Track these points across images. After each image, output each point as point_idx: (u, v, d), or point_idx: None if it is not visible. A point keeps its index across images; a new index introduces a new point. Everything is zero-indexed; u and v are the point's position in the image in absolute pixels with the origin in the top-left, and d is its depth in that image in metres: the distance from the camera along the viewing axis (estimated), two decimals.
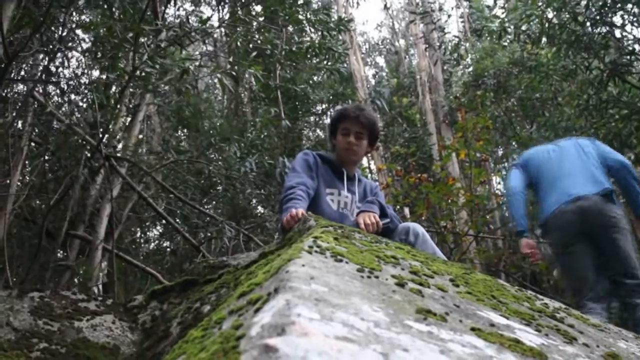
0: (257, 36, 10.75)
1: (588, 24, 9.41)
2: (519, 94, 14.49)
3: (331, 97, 16.09)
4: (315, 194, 3.59)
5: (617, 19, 9.76)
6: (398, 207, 11.94)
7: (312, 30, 11.09)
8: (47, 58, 8.20)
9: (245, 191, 10.00)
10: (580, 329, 1.59)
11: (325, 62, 11.64)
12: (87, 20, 8.88)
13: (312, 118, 17.47)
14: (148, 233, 14.40)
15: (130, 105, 9.73)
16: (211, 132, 11.40)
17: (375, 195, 3.88)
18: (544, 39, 10.70)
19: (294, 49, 10.47)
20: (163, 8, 8.77)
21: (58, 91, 9.25)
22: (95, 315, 2.41)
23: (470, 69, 17.87)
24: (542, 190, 4.94)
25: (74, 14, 8.50)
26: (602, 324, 1.91)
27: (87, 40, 9.08)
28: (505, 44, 14.16)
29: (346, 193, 3.73)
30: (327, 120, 18.19)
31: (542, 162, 5.07)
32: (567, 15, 9.55)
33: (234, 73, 8.12)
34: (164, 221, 10.05)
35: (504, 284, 2.04)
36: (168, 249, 13.48)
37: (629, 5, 9.36)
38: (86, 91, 8.95)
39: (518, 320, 1.36)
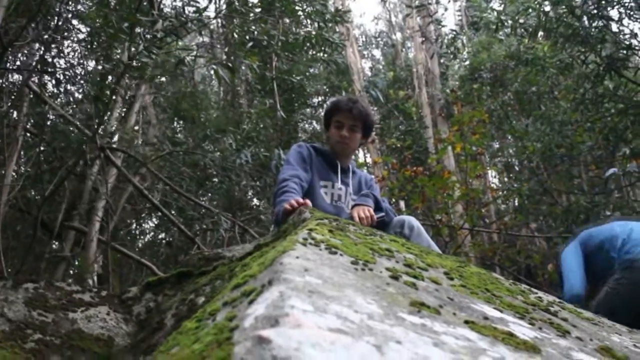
0: (253, 27, 10.72)
1: (585, 17, 9.40)
2: (515, 87, 14.49)
3: (327, 90, 16.07)
4: (309, 187, 3.60)
5: (614, 13, 9.77)
6: (394, 200, 11.95)
7: (309, 21, 11.07)
8: (42, 48, 8.18)
9: (241, 183, 10.00)
10: (573, 322, 1.59)
11: (321, 53, 11.62)
12: (83, 10, 8.85)
13: (308, 110, 17.44)
14: (143, 225, 14.41)
15: (126, 97, 9.71)
16: (207, 123, 11.39)
17: (370, 188, 3.89)
18: (540, 32, 10.71)
19: (290, 40, 10.46)
20: None
21: (53, 81, 9.23)
22: (89, 307, 2.41)
23: (467, 62, 17.87)
24: (621, 238, 4.65)
25: (70, 3, 8.47)
26: (596, 317, 1.92)
27: (82, 30, 9.06)
28: (502, 37, 14.16)
29: (340, 185, 3.74)
30: (323, 113, 18.15)
31: (613, 226, 4.86)
32: (564, 9, 9.54)
33: (229, 64, 8.11)
34: (159, 213, 10.05)
35: (498, 278, 2.04)
36: (163, 241, 13.48)
37: (626, 0, 9.36)
38: (82, 82, 8.93)
39: (512, 314, 1.36)
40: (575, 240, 4.94)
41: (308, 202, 2.99)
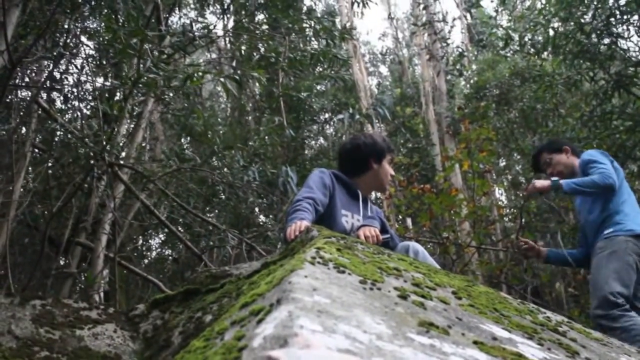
0: (260, 44, 10.77)
1: (594, 34, 9.42)
2: (521, 105, 14.50)
3: (334, 106, 16.11)
4: (330, 213, 3.64)
5: (622, 30, 9.78)
6: (400, 217, 11.91)
7: (316, 38, 11.10)
8: (51, 64, 8.22)
9: (248, 200, 9.99)
10: (582, 343, 1.58)
11: (329, 70, 11.66)
12: (92, 26, 8.92)
13: (315, 127, 17.48)
14: (150, 241, 14.40)
15: (134, 113, 9.73)
16: (215, 139, 11.41)
17: (377, 213, 3.98)
18: (548, 49, 10.72)
19: (297, 57, 10.49)
20: (167, 15, 8.80)
21: (62, 98, 9.27)
22: (96, 324, 2.41)
23: (472, 80, 17.89)
24: (627, 204, 4.69)
25: (79, 20, 8.52)
26: (605, 338, 1.90)
27: (91, 47, 9.11)
28: (508, 54, 14.18)
29: (359, 217, 3.80)
30: (330, 130, 18.22)
31: (623, 176, 4.88)
32: (573, 26, 9.56)
33: (237, 77, 8.13)
34: (166, 229, 10.05)
35: (507, 297, 2.03)
36: (170, 257, 13.47)
37: (635, 17, 9.38)
38: (90, 98, 8.97)
39: (520, 334, 1.35)
40: (613, 164, 4.81)
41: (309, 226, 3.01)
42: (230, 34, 11.04)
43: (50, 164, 8.85)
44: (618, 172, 4.75)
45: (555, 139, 5.57)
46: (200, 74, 7.23)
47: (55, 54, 7.78)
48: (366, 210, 3.89)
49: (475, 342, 1.08)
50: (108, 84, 9.00)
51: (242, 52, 11.79)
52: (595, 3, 9.28)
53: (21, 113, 8.43)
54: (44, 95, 8.47)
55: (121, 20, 7.50)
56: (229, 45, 13.95)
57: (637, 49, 9.95)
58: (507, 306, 1.73)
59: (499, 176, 18.34)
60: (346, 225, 3.69)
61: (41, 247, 7.35)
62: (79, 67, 8.70)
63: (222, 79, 7.62)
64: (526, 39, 11.58)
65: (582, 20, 9.47)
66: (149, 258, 14.37)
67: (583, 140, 10.73)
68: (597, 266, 4.52)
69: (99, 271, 7.70)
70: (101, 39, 8.44)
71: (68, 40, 8.16)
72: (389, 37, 31.27)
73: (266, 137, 11.95)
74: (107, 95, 8.87)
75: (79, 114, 9.18)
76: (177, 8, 10.24)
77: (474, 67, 17.94)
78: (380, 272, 1.55)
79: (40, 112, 8.35)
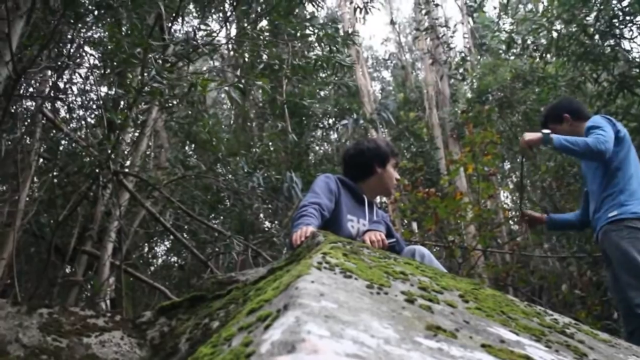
0: (263, 52, 10.78)
1: (597, 36, 9.41)
2: (524, 108, 14.48)
3: (338, 112, 16.11)
4: (336, 219, 3.64)
5: (626, 31, 9.77)
6: (406, 221, 11.88)
7: (319, 45, 11.11)
8: (55, 74, 8.25)
9: (253, 206, 9.99)
10: (590, 344, 1.58)
11: (332, 76, 11.66)
12: (96, 36, 8.94)
13: (319, 132, 17.48)
14: (156, 248, 14.41)
15: (138, 121, 9.75)
16: (218, 147, 11.42)
17: (383, 218, 3.98)
18: (551, 51, 10.71)
19: (301, 63, 10.50)
20: (170, 24, 8.81)
21: (66, 107, 9.29)
22: (103, 332, 2.41)
23: (475, 84, 17.88)
24: (633, 180, 4.42)
25: (82, 30, 8.54)
26: (612, 339, 1.90)
27: (95, 56, 9.14)
28: (512, 58, 14.16)
29: (365, 221, 3.80)
30: (334, 135, 18.21)
31: (632, 148, 4.60)
32: (576, 27, 9.55)
33: (241, 85, 8.14)
34: (171, 236, 10.05)
35: (514, 299, 2.03)
36: (176, 264, 13.48)
37: (638, 18, 9.37)
38: (94, 107, 8.99)
39: (528, 336, 1.35)
40: (614, 126, 4.55)
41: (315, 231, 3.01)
42: (233, 42, 11.05)
43: (55, 173, 8.87)
44: (620, 141, 4.52)
45: (556, 105, 5.32)
46: (204, 82, 7.24)
47: (59, 63, 7.80)
48: (372, 215, 3.89)
49: (483, 345, 1.08)
50: (112, 92, 9.02)
51: (246, 59, 11.81)
52: (598, 5, 9.28)
53: (26, 123, 8.46)
54: (49, 105, 8.49)
55: (125, 30, 7.53)
56: (232, 52, 13.97)
57: None
58: (514, 309, 1.73)
59: (504, 179, 18.30)
60: (352, 230, 3.69)
61: (47, 255, 7.36)
62: (83, 76, 8.73)
63: (226, 88, 7.63)
64: (529, 41, 11.57)
65: (585, 22, 9.46)
66: (155, 265, 14.40)
67: None
68: (621, 252, 4.25)
69: (105, 279, 7.71)
70: (105, 48, 8.45)
71: (72, 50, 8.18)
72: (391, 42, 31.28)
73: (270, 143, 11.96)
74: (111, 104, 8.88)
75: (83, 123, 9.21)
76: (179, 17, 10.25)
77: (477, 70, 17.91)
78: (386, 277, 1.55)
79: (45, 121, 8.38)
